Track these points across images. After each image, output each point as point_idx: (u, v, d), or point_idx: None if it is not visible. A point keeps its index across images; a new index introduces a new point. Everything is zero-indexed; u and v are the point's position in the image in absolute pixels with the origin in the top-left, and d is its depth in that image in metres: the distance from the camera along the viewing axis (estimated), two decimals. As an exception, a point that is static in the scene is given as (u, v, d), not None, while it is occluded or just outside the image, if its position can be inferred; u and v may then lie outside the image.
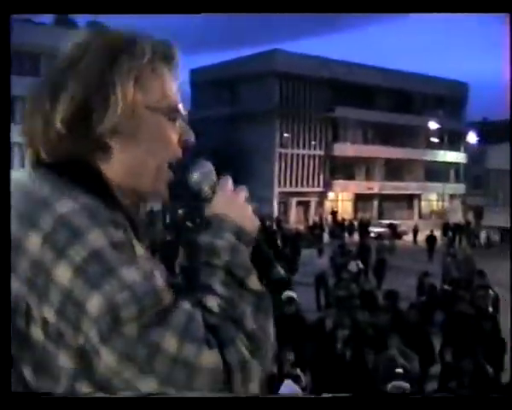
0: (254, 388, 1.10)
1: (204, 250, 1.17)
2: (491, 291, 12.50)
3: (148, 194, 1.24)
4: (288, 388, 5.90)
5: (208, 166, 1.30)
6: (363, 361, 7.89)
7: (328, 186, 54.42)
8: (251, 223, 1.26)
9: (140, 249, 1.09)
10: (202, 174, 1.29)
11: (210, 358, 1.04)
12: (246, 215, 1.26)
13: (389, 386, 6.07)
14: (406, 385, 6.00)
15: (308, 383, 6.92)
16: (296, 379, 6.69)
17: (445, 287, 14.55)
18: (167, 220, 41.67)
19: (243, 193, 1.29)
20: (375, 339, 8.58)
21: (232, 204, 1.25)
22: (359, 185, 56.12)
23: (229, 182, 1.29)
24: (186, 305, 1.07)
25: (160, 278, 1.07)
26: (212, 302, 1.12)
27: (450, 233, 39.20)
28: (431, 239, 32.86)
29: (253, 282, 1.18)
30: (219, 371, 1.04)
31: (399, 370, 6.36)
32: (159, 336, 1.01)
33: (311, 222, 43.72)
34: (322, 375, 7.80)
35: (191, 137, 1.28)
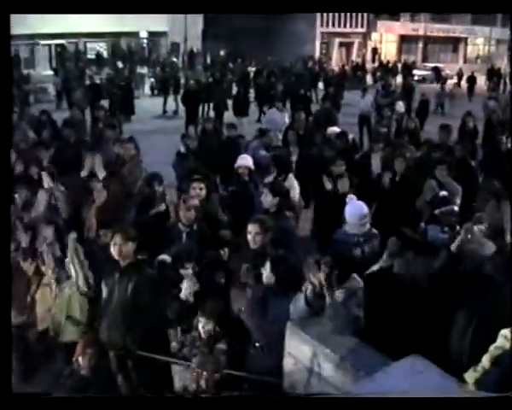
0: None
1: None
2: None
3: None
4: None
5: None
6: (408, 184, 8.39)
7: (371, 26, 53.11)
8: None
9: None
10: None
11: None
12: None
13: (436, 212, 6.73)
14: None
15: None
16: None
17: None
18: (208, 61, 41.46)
19: None
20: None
21: None
22: (404, 26, 54.59)
23: None
24: None
25: None
26: None
27: (495, 78, 38.52)
28: (471, 80, 33.36)
29: None
30: None
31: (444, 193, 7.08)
32: None
33: (353, 63, 43.16)
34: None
35: None
